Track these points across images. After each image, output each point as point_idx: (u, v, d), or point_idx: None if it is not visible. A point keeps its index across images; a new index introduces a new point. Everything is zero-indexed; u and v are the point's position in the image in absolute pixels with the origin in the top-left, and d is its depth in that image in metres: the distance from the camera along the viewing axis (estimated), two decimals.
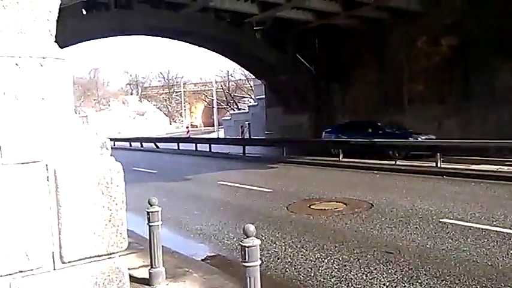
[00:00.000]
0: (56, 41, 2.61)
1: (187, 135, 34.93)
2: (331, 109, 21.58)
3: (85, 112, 63.11)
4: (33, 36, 2.43)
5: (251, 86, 44.56)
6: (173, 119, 69.22)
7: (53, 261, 2.32)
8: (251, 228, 2.98)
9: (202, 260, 5.72)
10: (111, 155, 2.59)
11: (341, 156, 15.55)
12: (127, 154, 26.75)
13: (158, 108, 70.90)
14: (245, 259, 2.95)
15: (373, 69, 19.35)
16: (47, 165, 2.29)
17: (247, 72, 37.08)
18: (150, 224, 4.40)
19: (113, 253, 2.57)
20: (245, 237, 2.98)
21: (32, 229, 2.25)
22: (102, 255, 2.50)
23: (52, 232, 2.32)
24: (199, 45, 25.10)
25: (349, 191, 9.98)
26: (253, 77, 32.63)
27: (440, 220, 7.03)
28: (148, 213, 4.41)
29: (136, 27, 20.20)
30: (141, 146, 30.91)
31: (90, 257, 2.44)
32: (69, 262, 2.36)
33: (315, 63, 22.20)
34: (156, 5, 18.44)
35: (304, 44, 22.03)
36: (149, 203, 4.41)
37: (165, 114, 70.39)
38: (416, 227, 6.70)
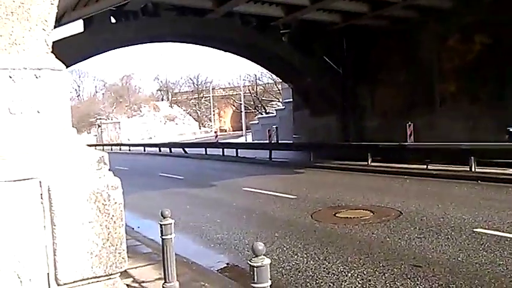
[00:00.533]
0: (53, 52, 2.51)
1: (216, 140, 35.10)
2: (360, 111, 21.10)
3: (117, 118, 64.58)
4: (28, 47, 2.34)
5: (279, 90, 44.38)
6: (202, 124, 69.86)
7: (48, 283, 2.21)
8: (260, 246, 2.78)
9: (220, 271, 5.55)
10: (109, 170, 2.47)
11: (369, 160, 15.11)
12: (156, 160, 27.10)
13: (188, 113, 71.78)
14: (254, 280, 2.76)
15: (402, 69, 18.77)
16: (40, 182, 2.19)
17: (275, 76, 36.92)
18: (163, 237, 4.27)
19: (112, 274, 2.43)
20: (254, 256, 2.79)
21: (24, 250, 2.15)
22: (100, 277, 2.37)
23: (47, 253, 2.22)
24: (226, 50, 25.18)
25: (377, 198, 9.62)
26: (281, 80, 32.44)
27: (474, 230, 6.61)
28: (161, 225, 4.29)
29: (164, 34, 20.43)
30: (170, 151, 31.23)
31: (88, 279, 2.32)
32: (64, 284, 2.25)
33: (342, 64, 21.78)
34: (182, 12, 18.58)
35: (331, 45, 21.66)
36: (162, 215, 4.28)
37: (194, 119, 71.17)
38: (448, 238, 6.32)
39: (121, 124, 60.85)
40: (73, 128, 2.53)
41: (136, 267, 5.45)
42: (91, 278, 2.31)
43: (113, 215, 2.38)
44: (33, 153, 2.23)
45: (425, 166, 13.11)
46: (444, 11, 16.69)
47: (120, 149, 42.08)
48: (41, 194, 2.19)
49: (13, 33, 2.29)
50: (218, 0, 17.13)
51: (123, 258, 2.41)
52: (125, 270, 5.24)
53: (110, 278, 2.41)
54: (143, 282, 4.89)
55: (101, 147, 47.31)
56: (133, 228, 8.24)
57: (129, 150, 39.58)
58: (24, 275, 2.16)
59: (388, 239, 6.49)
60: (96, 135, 62.98)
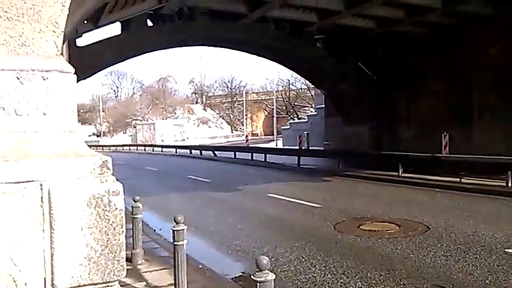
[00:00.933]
0: (62, 54, 2.51)
1: (246, 144, 35.16)
2: (394, 120, 20.58)
3: (152, 120, 65.91)
4: (38, 49, 2.34)
5: (312, 95, 44.05)
6: (235, 128, 70.28)
7: None
8: (264, 261, 2.69)
9: (234, 280, 5.46)
10: (112, 175, 2.44)
11: (400, 171, 14.67)
12: (186, 162, 27.40)
13: (221, 116, 72.42)
14: None
15: (440, 78, 18.16)
16: (41, 184, 2.17)
17: (308, 81, 36.66)
18: (175, 243, 4.23)
19: (110, 282, 2.39)
20: (258, 270, 2.69)
21: (21, 253, 2.14)
22: (97, 284, 2.33)
23: (44, 257, 2.20)
24: (259, 55, 25.18)
25: (405, 211, 9.29)
26: (313, 86, 32.19)
27: (506, 250, 6.23)
28: (173, 231, 4.25)
29: (198, 38, 20.65)
30: (200, 153, 31.51)
31: (85, 285, 2.29)
32: None
33: (378, 71, 21.33)
34: (216, 17, 18.72)
35: (366, 52, 21.29)
36: (175, 221, 4.25)
37: (227, 122, 71.72)
38: (477, 257, 5.98)
39: (155, 125, 62.00)
40: (78, 131, 2.51)
41: (151, 271, 5.45)
42: (88, 285, 2.28)
43: (113, 221, 2.34)
44: (36, 156, 2.22)
45: (458, 179, 12.58)
46: (485, 18, 16.06)
47: (153, 150, 42.84)
48: (41, 197, 2.18)
49: (23, 35, 2.30)
50: (252, 5, 17.16)
51: (121, 266, 2.37)
52: (140, 274, 5.26)
53: (107, 286, 2.37)
54: (156, 287, 4.87)
55: (135, 148, 48.41)
56: (154, 230, 8.29)
57: (162, 151, 40.23)
58: (19, 278, 2.15)
59: (412, 255, 6.22)
60: (131, 136, 64.49)
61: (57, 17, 2.37)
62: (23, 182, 2.15)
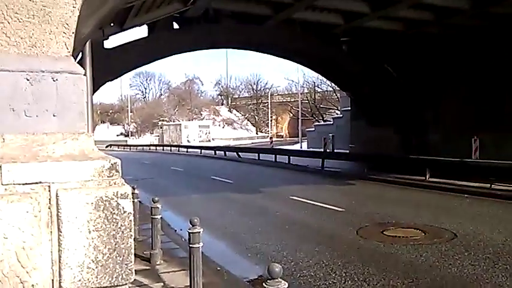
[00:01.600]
0: (72, 55, 2.50)
1: (271, 146, 35.09)
2: (421, 123, 20.09)
3: (179, 120, 66.73)
4: (48, 50, 2.33)
5: (337, 98, 43.60)
6: (260, 129, 70.32)
7: None
8: (277, 268, 2.60)
9: (252, 283, 5.38)
10: (121, 177, 2.40)
11: (427, 175, 14.27)
12: (210, 162, 27.54)
13: (246, 118, 72.62)
14: None
15: (470, 81, 17.61)
16: (49, 186, 2.15)
17: (333, 83, 36.32)
18: (191, 245, 4.19)
19: (118, 285, 2.35)
20: (270, 278, 2.61)
21: (29, 255, 2.12)
22: (105, 287, 2.29)
23: (52, 259, 2.18)
24: (285, 57, 25.10)
25: (432, 217, 9.00)
26: (339, 88, 31.86)
27: None
28: (189, 234, 4.21)
29: (224, 40, 20.75)
30: (225, 154, 31.62)
31: None
32: None
33: (404, 74, 20.89)
34: (241, 19, 18.76)
35: (393, 54, 20.88)
36: (191, 223, 4.21)
37: (252, 124, 71.87)
38: (507, 268, 5.70)
39: (181, 126, 62.69)
40: (88, 133, 2.48)
41: (169, 272, 5.43)
42: None
43: (121, 225, 2.30)
44: (45, 157, 2.21)
45: (488, 185, 12.12)
46: None
47: (178, 150, 43.31)
48: (49, 199, 2.16)
49: (33, 36, 2.29)
50: (276, 8, 17.09)
51: (130, 270, 2.32)
52: (158, 274, 5.26)
53: None
54: None
55: (161, 148, 49.05)
56: (175, 231, 8.31)
57: (187, 151, 40.62)
58: (27, 280, 2.13)
59: (437, 263, 5.99)
60: (158, 136, 65.44)
61: (67, 18, 2.35)
62: (31, 183, 2.14)
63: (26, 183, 2.12)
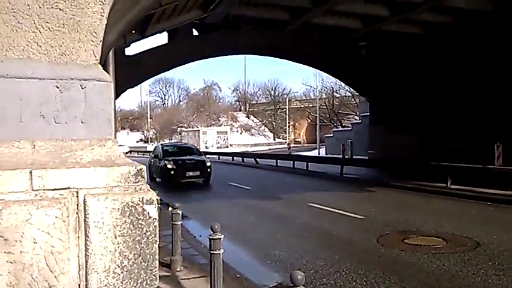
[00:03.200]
0: (100, 63, 2.55)
1: (289, 152, 35.02)
2: (442, 129, 19.75)
3: (197, 127, 67.23)
4: (76, 58, 2.38)
5: (356, 103, 43.28)
6: (277, 135, 70.24)
7: None
8: (299, 276, 2.59)
9: None
10: (147, 183, 2.44)
11: (449, 182, 14.02)
12: (228, 168, 27.60)
13: (264, 124, 72.67)
14: None
15: (494, 85, 17.23)
16: (77, 192, 2.20)
17: (352, 89, 36.12)
18: (212, 251, 4.20)
19: None
20: (292, 285, 2.60)
21: (57, 259, 2.16)
22: None
23: (79, 264, 2.22)
24: (303, 63, 25.12)
25: (454, 225, 8.82)
26: (358, 93, 31.68)
27: None
28: (210, 240, 4.22)
29: (243, 46, 20.92)
30: (242, 160, 31.68)
31: None
32: None
33: (424, 79, 20.63)
34: (260, 25, 18.88)
35: (413, 58, 20.66)
36: (212, 229, 4.22)
37: (270, 130, 71.84)
38: None
39: (200, 132, 63.12)
40: (115, 140, 2.53)
41: (189, 279, 5.46)
42: None
43: (146, 230, 2.33)
44: (73, 163, 2.25)
45: None
46: None
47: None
48: (77, 204, 2.20)
49: (63, 44, 2.35)
50: (295, 13, 17.12)
51: (154, 275, 2.35)
52: (178, 281, 5.28)
53: None
54: None
55: None
56: (195, 237, 8.35)
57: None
58: (55, 284, 2.17)
59: (460, 273, 5.87)
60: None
61: (95, 27, 2.41)
62: (59, 189, 2.18)
63: (55, 189, 2.16)
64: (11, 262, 1.99)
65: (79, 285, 2.23)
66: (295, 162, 23.75)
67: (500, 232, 8.06)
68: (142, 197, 2.32)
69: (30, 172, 2.08)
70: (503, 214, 10.06)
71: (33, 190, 2.13)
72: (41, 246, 2.10)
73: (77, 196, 2.20)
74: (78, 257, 2.21)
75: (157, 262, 2.37)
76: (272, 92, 73.82)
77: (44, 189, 2.14)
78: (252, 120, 73.76)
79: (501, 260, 6.38)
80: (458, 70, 18.61)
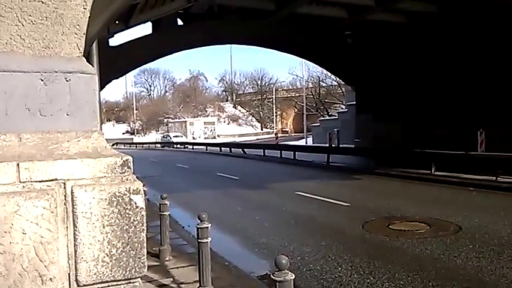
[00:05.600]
0: (84, 55, 2.56)
1: (276, 142, 35.11)
2: (427, 117, 20.01)
3: (184, 117, 66.89)
4: (60, 51, 2.40)
5: (342, 92, 43.50)
6: (265, 125, 70.32)
7: (69, 284, 2.24)
8: (284, 260, 2.67)
9: (260, 278, 5.47)
10: (133, 173, 2.48)
11: (433, 169, 14.29)
12: (216, 159, 27.65)
13: (251, 114, 72.62)
14: None
15: (476, 71, 17.36)
16: (64, 183, 2.23)
17: (338, 78, 36.26)
18: (199, 240, 4.27)
19: (132, 278, 2.43)
20: (277, 270, 2.68)
21: (47, 250, 2.20)
22: (120, 280, 2.37)
23: (68, 253, 2.26)
24: (289, 52, 25.14)
25: (437, 210, 9.04)
26: (344, 83, 31.84)
27: None
28: (197, 229, 4.29)
29: (228, 36, 20.84)
30: (230, 151, 31.71)
31: (107, 282, 2.33)
32: (84, 286, 2.27)
33: (410, 67, 20.83)
34: (245, 15, 18.80)
35: (398, 47, 20.81)
36: (199, 218, 4.29)
37: (257, 120, 71.85)
38: (511, 260, 5.75)
39: (187, 123, 62.84)
40: (100, 131, 2.56)
41: (178, 268, 5.53)
42: (110, 281, 2.32)
43: (134, 219, 2.38)
44: (59, 155, 2.28)
45: (494, 178, 12.13)
46: None
47: (184, 147, 43.45)
48: (65, 195, 2.24)
49: (46, 37, 2.36)
50: (280, 3, 17.10)
51: (143, 263, 2.40)
52: (167, 270, 5.35)
53: (129, 282, 2.40)
54: (182, 283, 4.94)
55: (169, 146, 49.22)
56: (183, 227, 8.41)
57: (192, 148, 40.75)
58: (45, 274, 2.21)
59: (442, 256, 6.05)
60: (163, 134, 65.65)
61: (79, 19, 2.42)
62: (47, 180, 2.21)
63: (43, 181, 2.19)
64: (0, 253, 2.03)
65: (69, 274, 2.27)
66: (283, 151, 23.88)
67: (482, 216, 8.29)
68: (129, 187, 2.36)
69: (18, 164, 2.11)
70: (485, 199, 10.32)
71: (20, 182, 2.16)
72: (30, 236, 2.14)
73: (65, 187, 2.23)
74: (67, 246, 2.25)
75: (145, 250, 2.43)
76: (259, 82, 73.74)
77: (31, 181, 2.17)
78: (239, 111, 73.62)
79: (481, 243, 6.58)
80: (442, 58, 18.82)
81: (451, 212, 8.78)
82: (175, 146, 46.50)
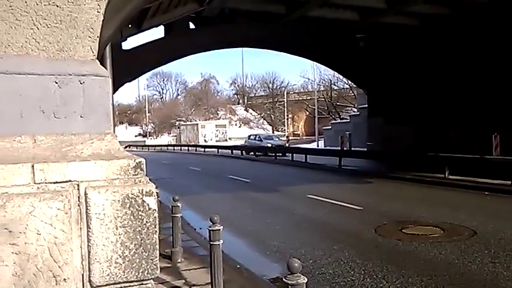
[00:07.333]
0: (97, 58, 2.59)
1: (287, 145, 35.03)
2: (440, 121, 19.79)
3: (196, 120, 67.19)
4: (74, 54, 2.42)
5: (354, 95, 43.26)
6: (276, 128, 70.25)
7: (83, 284, 2.26)
8: (296, 263, 2.65)
9: (272, 281, 5.45)
10: (146, 175, 2.49)
11: (447, 173, 14.11)
12: (227, 162, 27.67)
13: (262, 117, 72.64)
14: None
15: (489, 77, 17.21)
16: (78, 185, 2.24)
17: (350, 81, 36.12)
18: (211, 242, 4.27)
19: (144, 280, 2.44)
20: (289, 273, 2.66)
21: (61, 250, 2.21)
22: (132, 281, 2.38)
23: (82, 254, 2.27)
24: (301, 55, 25.12)
25: (451, 214, 8.91)
26: (356, 86, 31.70)
27: None
28: (209, 231, 4.29)
29: (240, 39, 20.90)
30: (241, 154, 31.74)
31: (120, 283, 2.34)
32: (97, 287, 2.28)
33: (422, 69, 20.64)
34: (256, 18, 18.84)
35: (410, 50, 20.65)
36: (211, 221, 4.29)
37: (268, 123, 71.83)
38: None
39: (198, 126, 63.07)
40: (114, 133, 2.57)
41: (190, 270, 5.53)
42: (123, 282, 2.33)
43: (146, 221, 2.38)
44: (73, 157, 2.30)
45: (510, 182, 11.92)
46: None
47: (195, 150, 43.62)
48: (78, 197, 2.25)
49: (61, 41, 2.38)
50: (291, 6, 17.10)
51: (155, 264, 2.41)
52: (179, 272, 5.35)
53: (142, 284, 2.41)
54: (194, 285, 4.95)
55: (179, 148, 49.47)
56: (195, 229, 8.43)
57: (204, 151, 40.88)
58: (59, 274, 2.22)
59: (456, 261, 5.96)
60: (175, 136, 65.99)
61: (92, 23, 2.44)
62: (61, 182, 2.23)
63: (57, 182, 2.21)
64: (16, 253, 2.04)
65: (82, 275, 2.28)
66: (294, 154, 23.81)
67: (497, 221, 8.15)
68: (142, 189, 2.37)
69: (32, 166, 2.13)
70: (500, 203, 10.16)
71: (35, 183, 2.18)
72: (45, 237, 2.16)
73: (78, 189, 2.25)
74: (81, 247, 2.26)
75: (157, 252, 2.43)
76: (270, 85, 73.72)
77: (45, 182, 2.19)
78: (251, 113, 73.69)
79: (497, 248, 6.47)
80: (454, 61, 18.60)
81: (465, 216, 8.66)
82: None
